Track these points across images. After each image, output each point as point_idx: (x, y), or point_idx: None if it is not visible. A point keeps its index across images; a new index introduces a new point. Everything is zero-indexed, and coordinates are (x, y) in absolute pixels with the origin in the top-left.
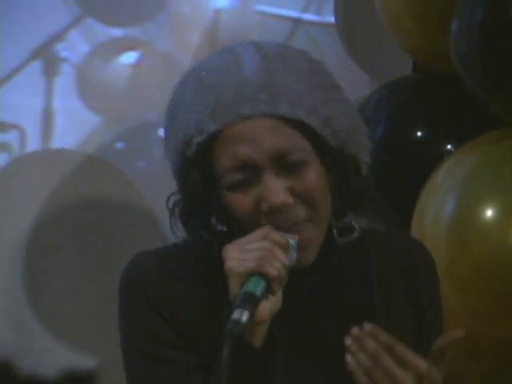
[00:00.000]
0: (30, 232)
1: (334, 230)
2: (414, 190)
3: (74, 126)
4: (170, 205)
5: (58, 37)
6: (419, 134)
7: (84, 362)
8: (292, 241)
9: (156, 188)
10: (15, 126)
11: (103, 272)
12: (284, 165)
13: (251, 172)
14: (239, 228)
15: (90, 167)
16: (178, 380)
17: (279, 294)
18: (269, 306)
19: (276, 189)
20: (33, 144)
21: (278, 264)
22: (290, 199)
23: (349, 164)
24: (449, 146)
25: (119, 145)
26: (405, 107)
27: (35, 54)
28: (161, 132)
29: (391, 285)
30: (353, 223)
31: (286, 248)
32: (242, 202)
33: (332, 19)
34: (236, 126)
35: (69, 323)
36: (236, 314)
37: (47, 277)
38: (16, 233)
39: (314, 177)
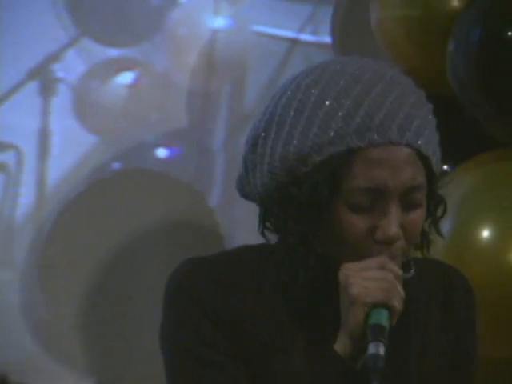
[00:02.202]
0: (27, 251)
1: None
2: None
3: (70, 146)
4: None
5: (55, 57)
6: None
7: (82, 382)
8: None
9: (153, 207)
10: (12, 146)
11: (101, 293)
12: (409, 200)
13: (379, 198)
14: (339, 248)
15: (87, 188)
16: None
17: None
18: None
19: (396, 222)
20: (30, 164)
21: (399, 296)
22: (400, 234)
23: (438, 202)
24: (445, 167)
25: (116, 165)
26: None
27: (32, 75)
28: (158, 152)
29: (428, 317)
30: (411, 263)
31: (400, 280)
32: (357, 223)
33: (328, 39)
34: (379, 148)
35: (69, 344)
36: (376, 349)
37: (45, 296)
38: (12, 254)
39: (421, 217)
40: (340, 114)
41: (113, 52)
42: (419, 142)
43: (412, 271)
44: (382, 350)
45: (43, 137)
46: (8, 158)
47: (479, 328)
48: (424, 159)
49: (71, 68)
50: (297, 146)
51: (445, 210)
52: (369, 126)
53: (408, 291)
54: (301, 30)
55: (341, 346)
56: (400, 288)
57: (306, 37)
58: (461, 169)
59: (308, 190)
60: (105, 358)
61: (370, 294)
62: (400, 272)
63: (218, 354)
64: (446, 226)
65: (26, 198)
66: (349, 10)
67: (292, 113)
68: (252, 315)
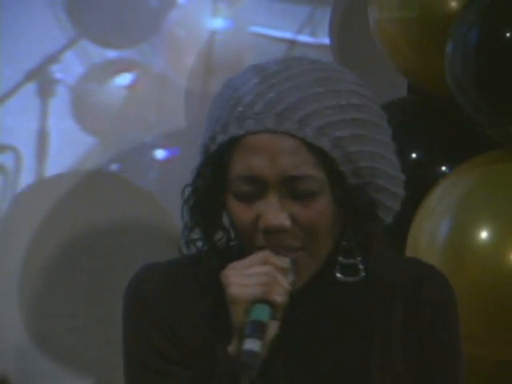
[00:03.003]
0: (25, 252)
1: (338, 267)
2: (409, 211)
3: (69, 148)
4: (185, 196)
5: (53, 58)
6: (414, 155)
7: (80, 383)
8: (290, 266)
9: (152, 208)
10: (10, 148)
11: (100, 294)
12: (293, 190)
13: (260, 187)
14: (240, 241)
15: (85, 189)
16: None
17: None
18: (269, 332)
19: (276, 210)
20: (28, 165)
21: (282, 289)
22: (286, 224)
23: (364, 204)
24: (443, 168)
25: (114, 166)
26: (400, 129)
27: (30, 76)
28: (156, 154)
29: (393, 324)
30: (359, 266)
31: (285, 273)
32: (244, 213)
33: (327, 41)
34: (258, 136)
35: (67, 345)
36: (250, 344)
37: (44, 298)
38: (11, 255)
39: (319, 209)
40: (230, 104)
41: (111, 53)
42: (306, 133)
43: (354, 278)
44: (256, 346)
45: (41, 138)
46: (6, 159)
47: (456, 327)
48: (317, 151)
49: (69, 69)
50: (203, 137)
51: (372, 209)
52: (248, 114)
53: (372, 291)
54: (299, 32)
55: (232, 346)
56: (284, 281)
57: (304, 38)
58: (459, 170)
59: (198, 181)
60: (103, 359)
61: (248, 292)
62: (285, 264)
63: (167, 363)
64: (443, 226)
65: (24, 199)
66: (347, 12)
67: (211, 105)
68: (198, 323)
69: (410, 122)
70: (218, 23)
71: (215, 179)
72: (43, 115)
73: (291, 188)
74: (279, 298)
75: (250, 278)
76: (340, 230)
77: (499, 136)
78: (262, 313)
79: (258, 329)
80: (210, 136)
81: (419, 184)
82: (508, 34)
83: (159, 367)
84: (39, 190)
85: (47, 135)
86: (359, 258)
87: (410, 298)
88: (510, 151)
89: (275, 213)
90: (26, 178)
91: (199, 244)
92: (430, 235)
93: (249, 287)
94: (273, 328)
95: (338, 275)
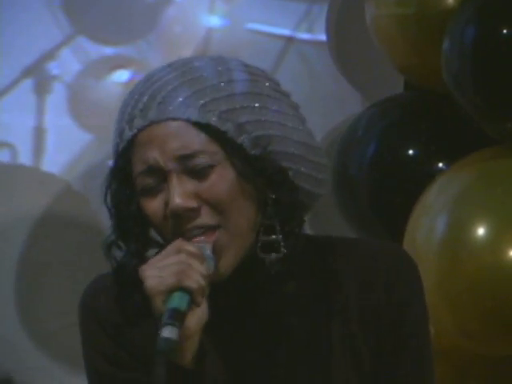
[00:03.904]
0: (21, 250)
1: (259, 245)
2: (406, 208)
3: (65, 145)
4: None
5: (50, 55)
6: (411, 151)
7: (78, 380)
8: (208, 251)
9: None
10: (6, 145)
11: None
12: (189, 168)
13: (160, 176)
14: (160, 237)
15: (82, 186)
16: None
17: (204, 305)
18: (195, 319)
19: (177, 192)
20: (24, 162)
21: (197, 275)
22: (190, 203)
23: (272, 173)
24: (440, 164)
25: (111, 163)
26: (396, 125)
27: (27, 73)
28: None
29: (347, 303)
30: (280, 242)
31: (201, 258)
32: (152, 206)
33: (324, 37)
34: (146, 131)
35: (62, 342)
36: (165, 332)
37: (40, 294)
38: (7, 250)
39: (219, 180)
40: (122, 110)
41: (108, 50)
42: (189, 113)
43: (276, 256)
44: (170, 333)
45: (38, 135)
46: (2, 155)
47: (419, 308)
48: (206, 128)
49: (66, 66)
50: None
51: (282, 177)
52: (134, 113)
53: (322, 274)
54: (296, 28)
55: None
56: (199, 266)
57: (301, 35)
58: (456, 166)
59: (111, 197)
60: None
61: (163, 282)
62: (197, 251)
63: (115, 367)
64: (440, 223)
65: (20, 195)
66: (344, 8)
67: None
68: (143, 323)
69: (406, 119)
70: (214, 20)
71: (124, 186)
72: (40, 112)
73: (187, 167)
74: (194, 284)
75: (164, 269)
76: (259, 208)
77: (496, 132)
78: (179, 301)
79: (174, 316)
80: (113, 145)
81: (416, 180)
82: (504, 31)
83: (108, 371)
84: (35, 187)
85: (44, 132)
86: (280, 236)
87: (361, 276)
88: (506, 148)
89: (178, 195)
90: (22, 175)
91: (125, 259)
92: (426, 231)
93: (163, 278)
94: (198, 315)
95: (260, 253)
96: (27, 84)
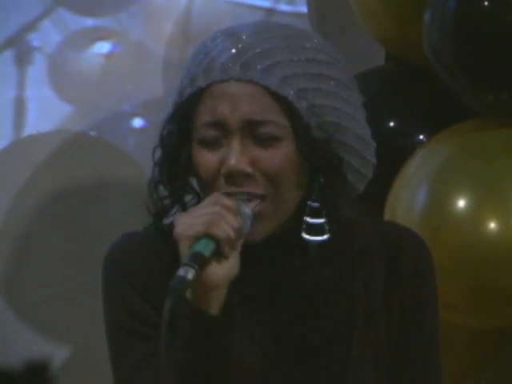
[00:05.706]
0: (4, 221)
1: (304, 226)
2: (387, 180)
3: (46, 116)
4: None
5: (31, 27)
6: (392, 124)
7: (59, 352)
8: (246, 208)
9: (130, 177)
10: None
11: (80, 262)
12: (255, 134)
13: (223, 132)
14: (204, 191)
15: (62, 155)
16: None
17: (234, 260)
18: (222, 271)
19: (236, 154)
20: (5, 133)
21: (226, 226)
22: (246, 168)
23: (329, 159)
24: (421, 137)
25: (92, 134)
26: (377, 97)
27: (7, 44)
28: (134, 122)
29: (373, 278)
30: (325, 227)
31: (235, 213)
32: (207, 159)
33: (304, 9)
34: (222, 85)
35: (44, 313)
36: (181, 271)
37: (22, 265)
38: None
39: (281, 154)
40: (198, 59)
41: (88, 22)
42: (270, 81)
43: (319, 239)
44: (187, 273)
45: (19, 106)
46: None
47: (433, 283)
48: (282, 100)
49: (47, 38)
50: (176, 94)
51: (337, 165)
52: (215, 65)
53: (351, 253)
54: (276, 0)
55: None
56: (231, 218)
57: (281, 6)
58: (437, 138)
59: (165, 135)
60: (97, 340)
61: (192, 229)
62: (233, 205)
63: (147, 326)
64: (421, 195)
65: (1, 166)
66: None
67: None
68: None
69: (387, 91)
70: None
71: (181, 131)
72: (20, 83)
73: (253, 132)
74: (221, 233)
75: (196, 218)
76: (307, 188)
77: (476, 105)
78: (203, 246)
79: (195, 259)
80: (178, 92)
81: (397, 153)
82: (486, 3)
83: (135, 328)
84: (16, 157)
85: (24, 103)
86: (325, 220)
87: (389, 257)
88: (487, 120)
89: (237, 156)
90: (3, 146)
91: (166, 202)
92: (407, 204)
93: (193, 225)
94: (227, 267)
95: (304, 235)
96: (8, 55)
